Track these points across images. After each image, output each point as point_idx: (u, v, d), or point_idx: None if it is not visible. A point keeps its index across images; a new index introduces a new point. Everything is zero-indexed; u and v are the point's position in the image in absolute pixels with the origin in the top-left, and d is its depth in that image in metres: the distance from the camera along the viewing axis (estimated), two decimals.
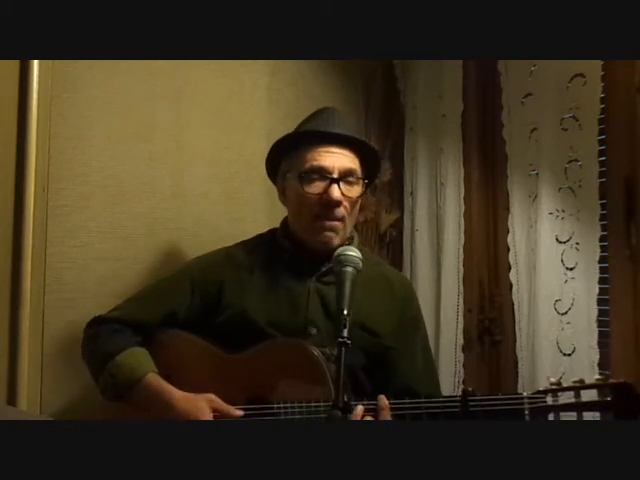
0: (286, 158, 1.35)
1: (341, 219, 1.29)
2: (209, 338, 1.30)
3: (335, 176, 1.27)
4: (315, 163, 1.28)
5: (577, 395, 1.05)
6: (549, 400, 1.07)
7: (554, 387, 1.06)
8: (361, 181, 1.32)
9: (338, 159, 1.28)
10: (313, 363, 1.18)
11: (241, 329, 1.28)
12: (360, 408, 1.12)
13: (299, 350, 1.21)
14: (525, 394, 1.09)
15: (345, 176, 1.28)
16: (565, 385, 1.06)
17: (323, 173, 1.27)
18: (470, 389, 1.12)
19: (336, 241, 1.29)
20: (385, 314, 1.34)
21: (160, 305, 1.34)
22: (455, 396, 1.14)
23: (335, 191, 1.26)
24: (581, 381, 1.04)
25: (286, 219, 1.41)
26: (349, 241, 1.35)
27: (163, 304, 1.34)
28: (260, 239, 1.45)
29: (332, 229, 1.28)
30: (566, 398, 1.06)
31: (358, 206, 1.35)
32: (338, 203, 1.27)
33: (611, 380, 1.04)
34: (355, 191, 1.30)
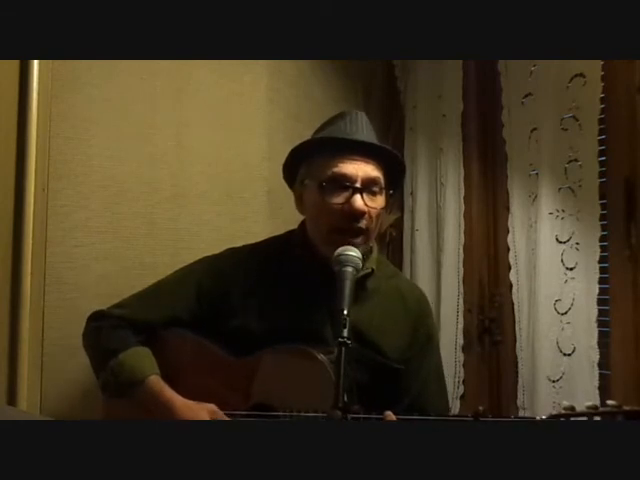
0: (305, 164, 1.27)
1: (363, 232, 1.21)
2: (214, 341, 1.27)
3: (358, 185, 1.19)
4: (337, 171, 1.20)
5: (590, 420, 1.04)
6: None
7: (568, 412, 1.05)
8: (384, 191, 1.24)
9: (362, 167, 1.21)
10: (319, 369, 1.16)
11: (246, 340, 1.24)
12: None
13: (304, 356, 1.18)
14: (538, 418, 1.07)
15: (369, 185, 1.21)
16: (578, 410, 1.04)
17: (345, 182, 1.20)
18: (481, 409, 1.09)
19: None
20: (396, 333, 1.29)
21: (164, 307, 1.31)
22: (466, 415, 1.11)
23: (358, 201, 1.19)
24: (594, 407, 1.03)
25: (304, 223, 1.33)
26: (367, 254, 1.28)
27: (167, 307, 1.31)
28: (274, 244, 1.38)
29: (352, 244, 1.15)
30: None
31: (381, 218, 1.27)
32: (361, 214, 1.19)
33: (625, 407, 1.03)
34: (378, 202, 1.23)
